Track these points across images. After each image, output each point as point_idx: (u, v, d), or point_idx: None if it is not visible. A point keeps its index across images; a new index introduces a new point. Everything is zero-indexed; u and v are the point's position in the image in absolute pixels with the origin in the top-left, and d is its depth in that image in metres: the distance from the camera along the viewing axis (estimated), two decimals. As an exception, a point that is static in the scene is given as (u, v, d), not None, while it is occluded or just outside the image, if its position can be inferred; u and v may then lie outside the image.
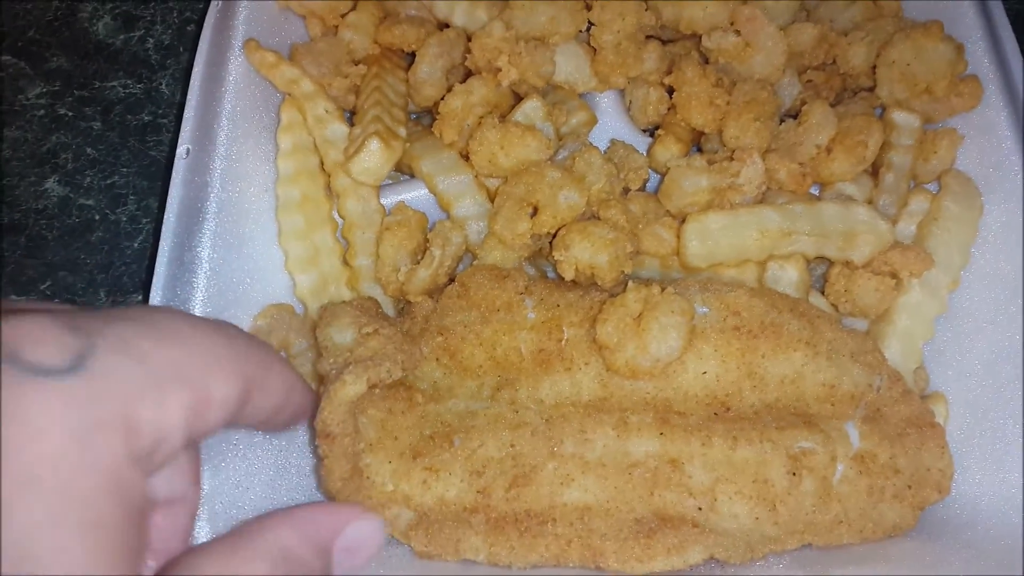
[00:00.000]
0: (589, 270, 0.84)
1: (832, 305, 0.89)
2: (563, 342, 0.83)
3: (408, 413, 0.81)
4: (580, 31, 0.98)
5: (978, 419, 0.87)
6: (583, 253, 0.84)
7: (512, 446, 0.79)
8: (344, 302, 0.88)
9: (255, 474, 0.86)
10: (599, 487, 0.77)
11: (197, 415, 0.54)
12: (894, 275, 0.87)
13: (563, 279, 0.86)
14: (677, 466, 0.78)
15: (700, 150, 0.99)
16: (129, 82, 1.25)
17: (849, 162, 0.89)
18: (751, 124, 0.90)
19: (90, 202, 1.17)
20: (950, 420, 0.88)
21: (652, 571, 0.75)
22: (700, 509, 0.77)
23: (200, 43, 1.00)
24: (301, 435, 0.89)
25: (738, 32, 0.94)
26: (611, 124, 1.00)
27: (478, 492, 0.77)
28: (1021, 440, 0.84)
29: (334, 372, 0.76)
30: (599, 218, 0.87)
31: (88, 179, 1.18)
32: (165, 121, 1.22)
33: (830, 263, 0.90)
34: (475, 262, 0.92)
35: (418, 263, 0.92)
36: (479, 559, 0.76)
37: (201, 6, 1.28)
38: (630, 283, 0.81)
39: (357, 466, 0.78)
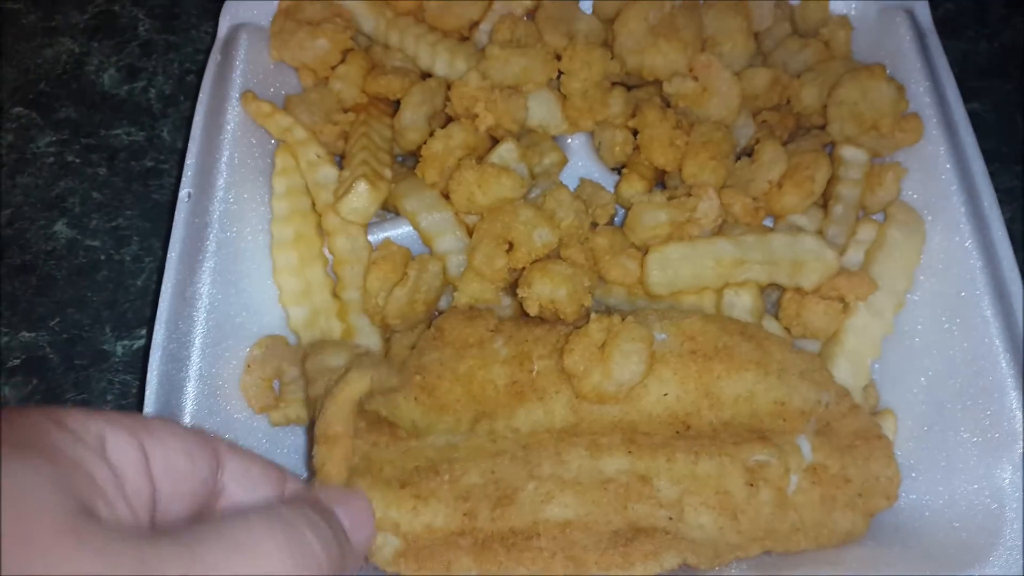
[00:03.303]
0: (551, 305, 0.91)
1: (785, 328, 0.96)
2: (534, 373, 0.89)
3: (392, 447, 0.85)
4: (551, 79, 1.06)
5: (924, 432, 0.93)
6: (544, 290, 0.91)
7: (493, 472, 0.84)
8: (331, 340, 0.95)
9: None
10: (577, 502, 0.83)
11: None
12: (841, 299, 0.94)
13: (529, 316, 0.93)
14: (646, 481, 0.84)
15: (664, 186, 1.06)
16: (132, 130, 1.32)
17: (798, 196, 0.97)
18: (708, 163, 0.97)
19: (96, 243, 1.24)
20: (899, 433, 0.95)
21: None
22: (670, 519, 0.83)
23: (200, 94, 1.08)
24: (291, 461, 0.96)
25: (696, 78, 1.02)
26: (582, 164, 1.08)
27: (464, 515, 0.82)
28: (962, 450, 0.90)
29: (333, 382, 0.81)
30: (561, 255, 0.95)
31: (94, 222, 1.25)
32: (166, 167, 1.29)
33: (783, 289, 0.96)
34: (455, 293, 0.99)
35: (402, 293, 0.99)
36: None
37: (200, 58, 1.37)
38: (593, 314, 0.88)
39: (353, 477, 0.82)
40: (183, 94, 1.35)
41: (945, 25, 1.34)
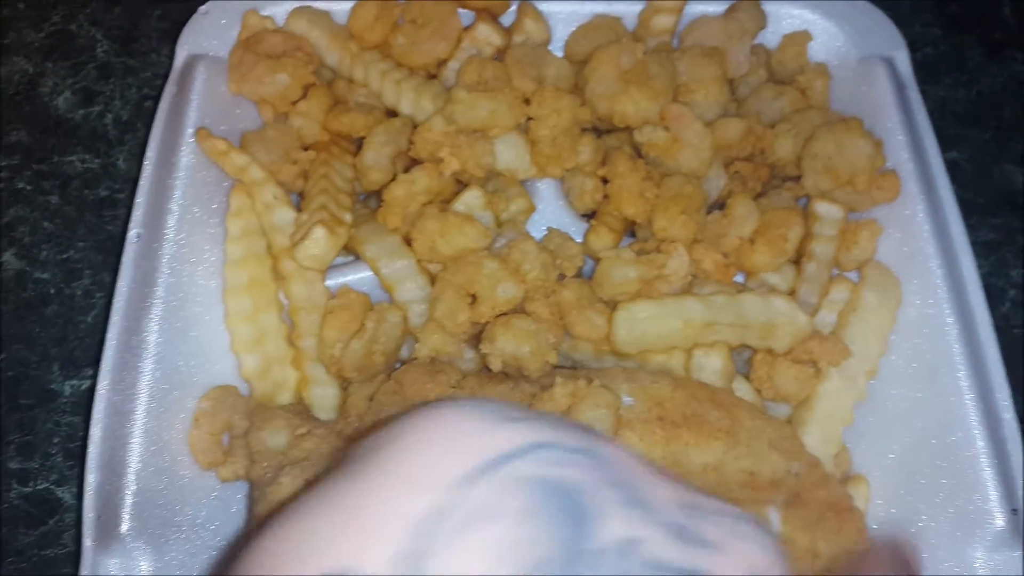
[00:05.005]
0: (515, 362, 0.88)
1: (756, 391, 0.93)
2: None
3: None
4: (519, 123, 1.02)
5: (895, 502, 0.91)
6: (507, 346, 0.87)
7: None
8: (276, 406, 0.91)
9: (197, 554, 0.88)
10: None
11: None
12: (814, 363, 0.91)
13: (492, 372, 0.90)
14: None
15: (634, 235, 1.03)
16: (87, 157, 1.27)
17: (771, 254, 0.94)
18: (678, 217, 0.94)
19: (46, 276, 1.19)
20: (870, 503, 0.92)
21: None
22: None
23: (153, 128, 1.04)
24: (241, 519, 0.91)
25: (667, 128, 0.99)
26: (551, 209, 1.04)
27: None
28: (934, 525, 0.87)
29: (269, 475, 0.78)
30: (526, 309, 0.91)
31: (44, 253, 1.20)
32: (121, 196, 1.24)
33: (755, 350, 0.93)
34: (416, 345, 0.95)
35: (360, 343, 0.95)
36: None
37: (159, 83, 1.30)
38: (557, 378, 0.84)
39: None
40: (140, 120, 1.30)
41: (923, 71, 1.32)
